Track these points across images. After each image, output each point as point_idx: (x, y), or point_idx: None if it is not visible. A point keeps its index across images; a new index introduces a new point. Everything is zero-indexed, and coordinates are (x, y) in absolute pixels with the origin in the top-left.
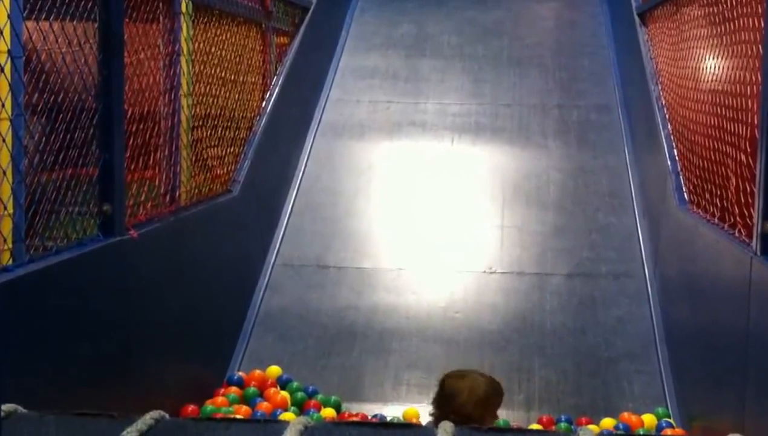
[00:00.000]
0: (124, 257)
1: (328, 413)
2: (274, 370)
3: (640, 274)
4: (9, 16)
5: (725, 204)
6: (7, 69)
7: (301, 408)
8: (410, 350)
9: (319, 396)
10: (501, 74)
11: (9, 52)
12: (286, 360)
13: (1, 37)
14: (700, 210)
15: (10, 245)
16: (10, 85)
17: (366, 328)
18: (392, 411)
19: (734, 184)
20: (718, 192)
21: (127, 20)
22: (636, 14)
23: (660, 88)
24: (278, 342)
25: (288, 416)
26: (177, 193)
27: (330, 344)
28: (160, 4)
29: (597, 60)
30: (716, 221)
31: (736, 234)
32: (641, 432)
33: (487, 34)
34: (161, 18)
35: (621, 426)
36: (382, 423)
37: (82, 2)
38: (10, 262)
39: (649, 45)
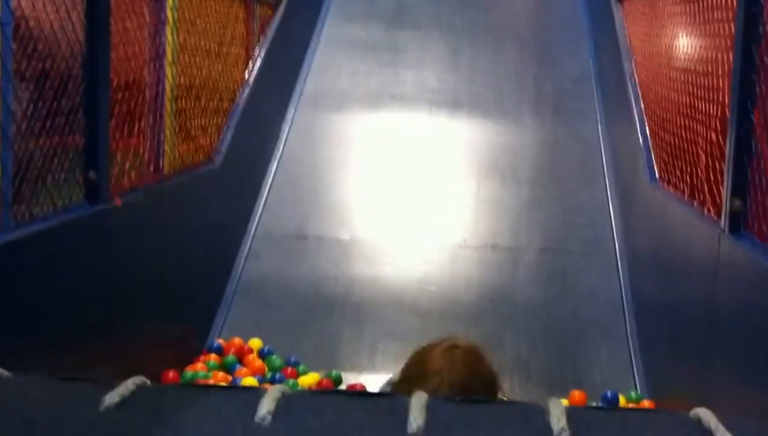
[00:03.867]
0: (108, 224)
1: (308, 380)
2: (256, 342)
3: (610, 247)
4: None
5: (695, 181)
6: None
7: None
8: (386, 320)
9: (324, 372)
10: (477, 45)
11: None
12: (265, 328)
13: None
14: (670, 187)
15: None
16: None
17: (344, 298)
18: (367, 380)
19: (704, 162)
20: (689, 169)
21: None
22: None
23: (633, 64)
24: (258, 311)
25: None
26: (161, 163)
27: (308, 313)
28: None
29: (572, 32)
30: (686, 198)
31: (706, 211)
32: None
33: (465, 5)
34: None
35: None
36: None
37: None
38: None
39: (623, 21)
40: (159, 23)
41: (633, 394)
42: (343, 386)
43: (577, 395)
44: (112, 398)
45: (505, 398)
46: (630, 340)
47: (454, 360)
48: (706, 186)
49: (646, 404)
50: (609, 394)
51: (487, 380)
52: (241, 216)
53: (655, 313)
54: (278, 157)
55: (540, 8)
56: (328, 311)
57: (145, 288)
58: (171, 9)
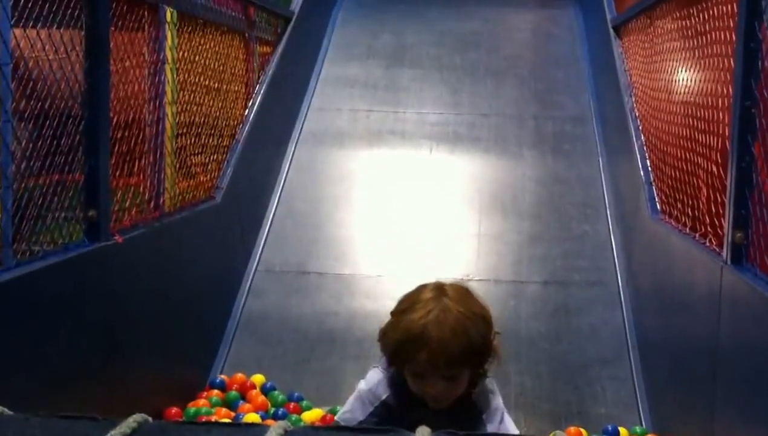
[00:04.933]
0: (108, 262)
1: (310, 416)
2: (259, 378)
3: (613, 282)
4: None
5: (697, 214)
6: None
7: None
8: None
9: (327, 407)
10: (478, 85)
11: None
12: (267, 364)
13: None
14: (672, 220)
15: None
16: None
17: (345, 333)
18: None
19: (705, 194)
20: (690, 202)
21: (113, 29)
22: (611, 27)
23: (633, 99)
24: (259, 346)
25: (252, 417)
26: (161, 200)
27: (310, 348)
28: (146, 13)
29: (572, 72)
30: (688, 230)
31: (707, 244)
32: None
33: (465, 46)
34: (146, 27)
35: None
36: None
37: (69, 10)
38: None
39: (623, 57)
40: (158, 62)
41: (638, 429)
42: None
43: (574, 431)
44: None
45: (497, 346)
46: (634, 374)
47: (444, 292)
48: (707, 218)
49: None
50: (610, 428)
51: (480, 314)
52: (242, 252)
53: (659, 346)
54: (279, 193)
55: (540, 48)
56: (330, 346)
57: (146, 325)
58: (170, 48)
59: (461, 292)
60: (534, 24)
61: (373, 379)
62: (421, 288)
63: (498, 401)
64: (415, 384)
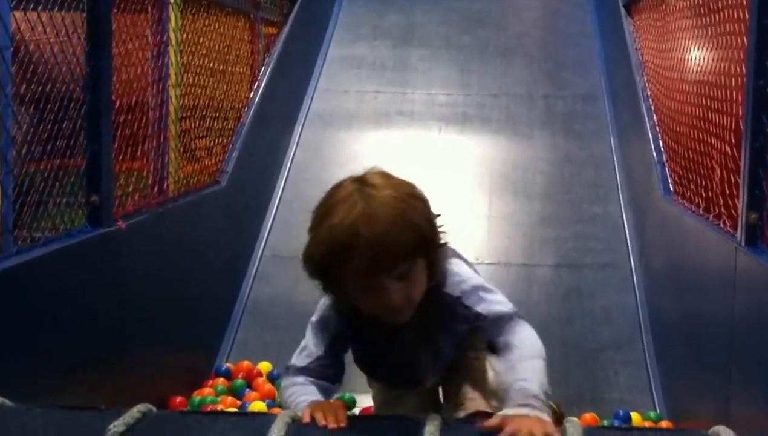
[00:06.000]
0: (111, 248)
1: None
2: (265, 365)
3: (625, 264)
4: None
5: (710, 195)
6: None
7: None
8: None
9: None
10: (487, 64)
11: None
12: (274, 351)
13: None
14: (685, 201)
15: None
16: None
17: None
18: None
19: (719, 175)
20: (703, 183)
21: (115, 11)
22: (621, 5)
23: (645, 78)
24: (266, 333)
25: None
26: (165, 184)
27: None
28: None
29: (583, 50)
30: (701, 211)
31: (721, 225)
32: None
33: (474, 25)
34: (149, 8)
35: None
36: (370, 416)
37: None
38: None
39: (634, 36)
40: (162, 44)
41: (652, 414)
42: (356, 410)
43: (589, 417)
44: (116, 427)
45: (452, 261)
46: (647, 357)
47: (364, 181)
48: (721, 199)
49: (665, 424)
50: (621, 413)
51: (413, 193)
52: (248, 237)
53: (673, 329)
54: (285, 176)
55: (550, 27)
56: None
57: (150, 312)
58: (174, 30)
59: (384, 175)
60: (543, 1)
61: (323, 309)
62: (335, 187)
63: (470, 280)
64: (366, 303)
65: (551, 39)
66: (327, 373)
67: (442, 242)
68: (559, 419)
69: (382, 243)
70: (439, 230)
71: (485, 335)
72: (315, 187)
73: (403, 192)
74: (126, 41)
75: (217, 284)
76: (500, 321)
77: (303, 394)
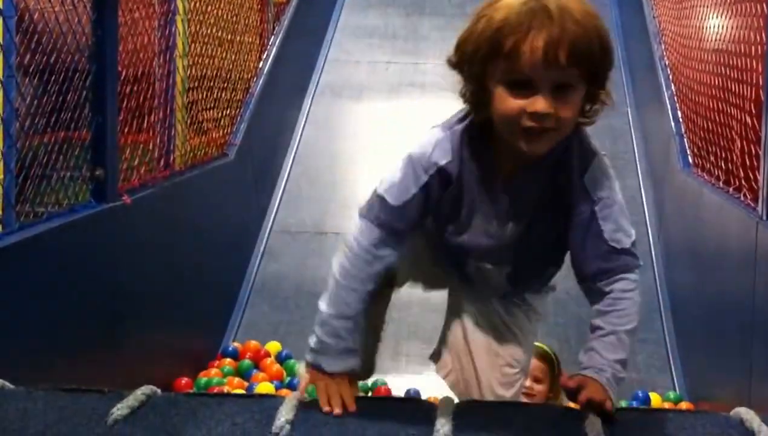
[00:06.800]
0: (116, 223)
1: None
2: (273, 345)
3: (643, 239)
4: None
5: (730, 167)
6: None
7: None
8: (410, 321)
9: None
10: None
11: (0, 12)
12: (282, 331)
13: None
14: (704, 173)
15: (0, 212)
16: (1, 45)
17: None
18: (392, 382)
19: (739, 146)
20: (723, 154)
21: None
22: None
23: (663, 47)
24: (274, 311)
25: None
26: (171, 158)
27: None
28: None
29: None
30: (721, 184)
31: (742, 198)
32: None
33: None
34: None
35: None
36: (381, 398)
37: None
38: (1, 229)
39: (652, 3)
40: (169, 13)
41: (672, 395)
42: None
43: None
44: (120, 410)
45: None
46: (667, 336)
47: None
48: (742, 171)
49: (685, 405)
50: (640, 394)
51: (604, 35)
52: (256, 212)
53: (692, 307)
54: (294, 149)
55: None
56: None
57: (155, 290)
58: None
59: None
60: None
61: (428, 141)
62: None
63: (615, 190)
64: (508, 101)
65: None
66: (392, 242)
67: (606, 84)
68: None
69: (566, 32)
70: (610, 65)
71: (585, 264)
72: (324, 160)
73: (594, 10)
74: (132, 10)
75: (224, 261)
76: (618, 260)
77: (333, 336)
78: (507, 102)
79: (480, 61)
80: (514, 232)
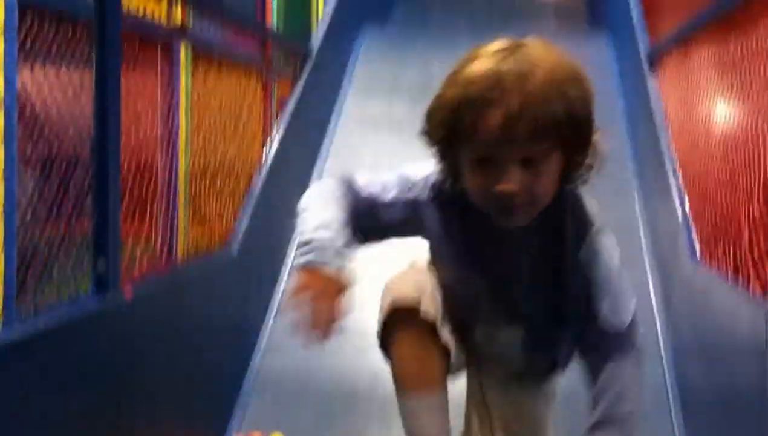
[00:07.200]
0: (118, 316)
1: None
2: None
3: (652, 332)
4: (3, 65)
5: (739, 258)
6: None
7: None
8: None
9: None
10: None
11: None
12: (285, 426)
13: None
14: (713, 265)
15: (0, 305)
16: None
17: (370, 392)
18: None
19: (748, 237)
20: (732, 246)
21: (124, 69)
22: (645, 59)
23: (671, 136)
24: (277, 406)
25: None
26: (174, 249)
27: (331, 407)
28: (159, 53)
29: (604, 106)
30: (730, 276)
31: (752, 290)
32: None
33: None
34: (160, 67)
35: None
36: None
37: (79, 50)
38: (1, 323)
39: (659, 93)
40: (172, 104)
41: None
42: None
43: None
44: None
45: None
46: (676, 431)
47: (520, 43)
48: (751, 263)
49: None
50: None
51: (576, 70)
52: (259, 305)
53: (702, 402)
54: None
55: None
56: (352, 405)
57: (157, 383)
58: (184, 90)
59: (545, 42)
60: None
61: (423, 169)
62: (482, 46)
63: (611, 268)
64: (476, 179)
65: None
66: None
67: (591, 144)
68: None
69: (524, 109)
70: (594, 128)
71: (580, 338)
72: None
73: (563, 62)
74: (135, 101)
75: (226, 354)
76: (612, 340)
77: (325, 230)
78: (475, 180)
79: (442, 141)
80: (497, 289)
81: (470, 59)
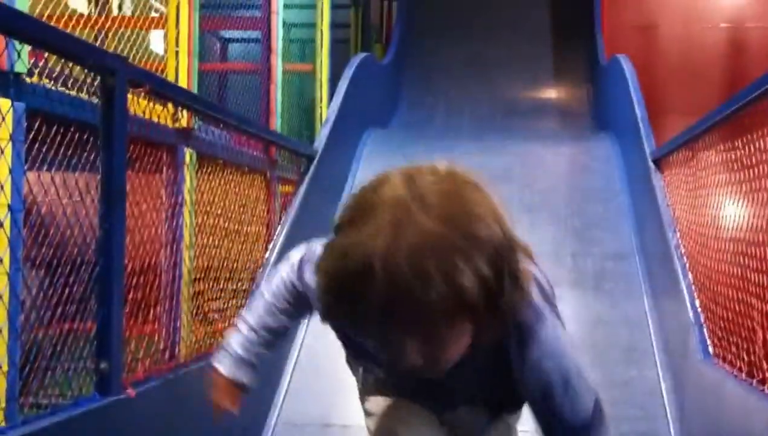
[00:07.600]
0: (120, 417)
1: None
2: None
3: (663, 430)
4: (10, 170)
5: (752, 357)
6: (7, 224)
7: None
8: None
9: None
10: (512, 222)
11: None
12: None
13: (1, 191)
14: (725, 364)
15: (3, 405)
16: (9, 239)
17: None
18: None
19: (761, 336)
20: (745, 345)
21: (129, 171)
22: (651, 160)
23: (679, 235)
24: None
25: None
26: (177, 349)
27: None
28: (164, 155)
29: (611, 206)
30: (743, 375)
31: (766, 390)
32: None
33: (497, 181)
34: (164, 169)
35: None
36: None
37: (85, 154)
38: (3, 423)
39: (665, 191)
40: (176, 205)
41: None
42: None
43: None
44: None
45: (525, 283)
46: None
47: (417, 194)
48: (765, 362)
49: None
50: None
51: (462, 277)
52: (261, 403)
53: None
54: (301, 339)
55: (577, 183)
56: None
57: None
58: (189, 191)
59: (451, 185)
60: (569, 157)
61: (312, 254)
62: (382, 180)
63: (566, 366)
64: (382, 356)
65: (578, 195)
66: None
67: (505, 305)
68: None
69: (398, 298)
70: (510, 285)
71: (550, 431)
72: (330, 350)
73: (463, 225)
74: (140, 202)
75: None
76: (582, 431)
77: (236, 342)
78: (380, 353)
79: (324, 312)
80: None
81: (351, 218)
